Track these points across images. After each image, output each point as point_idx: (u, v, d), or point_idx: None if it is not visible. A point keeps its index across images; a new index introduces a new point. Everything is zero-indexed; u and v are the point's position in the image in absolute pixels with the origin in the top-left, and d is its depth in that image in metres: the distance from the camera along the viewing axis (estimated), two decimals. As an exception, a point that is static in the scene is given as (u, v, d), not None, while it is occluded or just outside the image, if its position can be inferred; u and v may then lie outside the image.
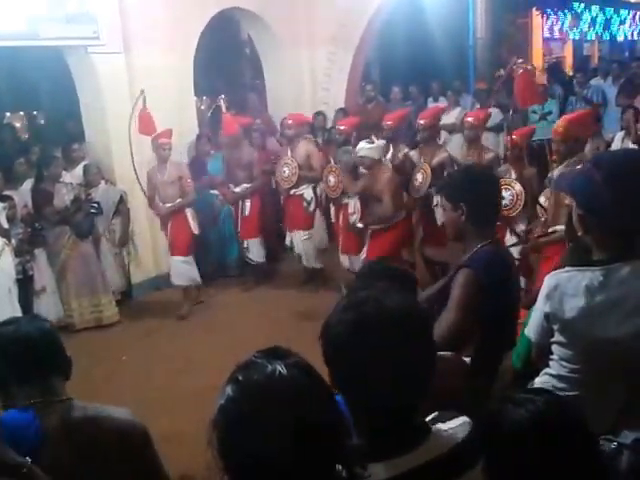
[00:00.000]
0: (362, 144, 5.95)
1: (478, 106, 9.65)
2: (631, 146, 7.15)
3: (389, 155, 6.63)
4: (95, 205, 6.83)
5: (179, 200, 6.80)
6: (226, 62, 11.78)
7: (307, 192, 7.14)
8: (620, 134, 7.70)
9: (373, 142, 5.96)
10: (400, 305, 1.44)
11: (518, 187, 5.56)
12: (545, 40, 16.92)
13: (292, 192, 7.11)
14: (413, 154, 6.69)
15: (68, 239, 6.77)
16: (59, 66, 7.38)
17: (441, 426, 1.53)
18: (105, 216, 6.98)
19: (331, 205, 6.95)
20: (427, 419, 1.57)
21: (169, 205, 6.81)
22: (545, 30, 16.58)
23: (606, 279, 1.90)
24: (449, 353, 2.41)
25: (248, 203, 7.23)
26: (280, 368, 1.22)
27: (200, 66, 8.12)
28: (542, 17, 15.40)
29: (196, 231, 6.90)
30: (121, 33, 6.87)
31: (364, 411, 1.43)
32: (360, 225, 6.12)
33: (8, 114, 10.51)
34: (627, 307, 1.88)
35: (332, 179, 6.57)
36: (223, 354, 5.34)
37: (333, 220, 6.99)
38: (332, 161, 6.84)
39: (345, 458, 1.25)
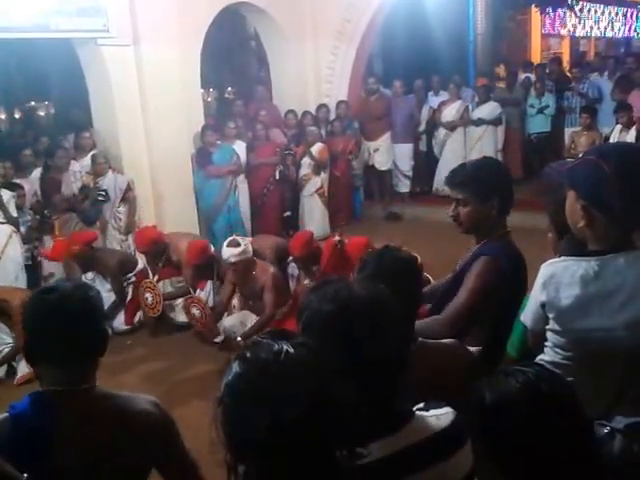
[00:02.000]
0: (228, 250, 5.10)
1: (477, 100, 9.83)
2: (629, 139, 7.30)
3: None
4: (102, 193, 6.97)
5: None
6: (233, 55, 11.87)
7: None
8: (618, 127, 7.83)
9: (239, 244, 5.15)
10: (371, 292, 1.52)
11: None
12: (543, 36, 17.09)
13: None
14: None
15: (75, 226, 6.93)
16: (69, 58, 7.50)
17: (424, 413, 1.56)
18: (112, 203, 7.08)
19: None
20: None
21: None
22: (544, 26, 16.75)
23: (601, 269, 1.90)
24: (453, 341, 2.33)
25: None
26: (287, 347, 1.22)
27: (207, 59, 8.23)
28: (541, 14, 15.54)
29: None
30: (130, 26, 6.98)
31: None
32: (240, 340, 4.98)
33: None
34: (621, 297, 1.89)
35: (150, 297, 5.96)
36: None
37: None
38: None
39: (349, 436, 1.25)
